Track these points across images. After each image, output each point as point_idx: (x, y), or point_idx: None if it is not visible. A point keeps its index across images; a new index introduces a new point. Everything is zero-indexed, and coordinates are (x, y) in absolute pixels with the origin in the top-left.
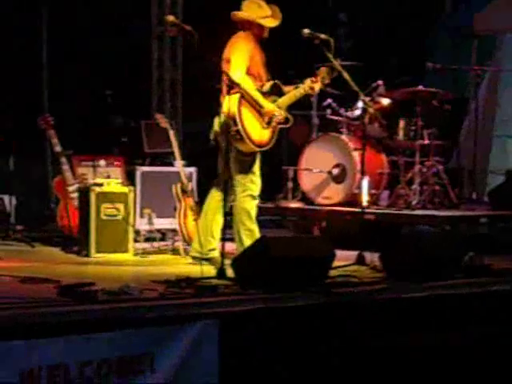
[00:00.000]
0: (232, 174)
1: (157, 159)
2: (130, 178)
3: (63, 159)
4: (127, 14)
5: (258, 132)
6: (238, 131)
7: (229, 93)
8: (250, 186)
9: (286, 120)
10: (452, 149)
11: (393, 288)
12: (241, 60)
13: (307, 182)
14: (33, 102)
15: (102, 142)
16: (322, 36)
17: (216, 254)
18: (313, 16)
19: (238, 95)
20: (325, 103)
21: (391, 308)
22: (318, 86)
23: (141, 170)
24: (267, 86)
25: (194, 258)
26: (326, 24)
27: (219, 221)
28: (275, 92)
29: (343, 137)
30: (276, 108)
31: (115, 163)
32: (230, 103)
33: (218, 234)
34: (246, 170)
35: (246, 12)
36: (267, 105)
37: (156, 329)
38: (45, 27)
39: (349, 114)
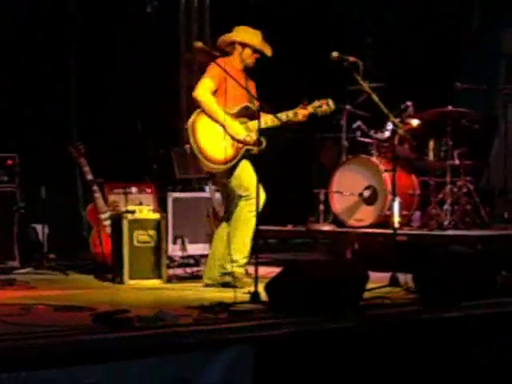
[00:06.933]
0: None
1: (188, 185)
2: (161, 205)
3: (95, 187)
4: (155, 41)
5: (217, 149)
6: (191, 146)
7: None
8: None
9: (258, 143)
10: (482, 168)
11: (426, 309)
12: (207, 81)
13: (338, 204)
14: (62, 130)
15: (132, 169)
16: (351, 58)
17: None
18: (338, 39)
19: (196, 111)
20: (354, 125)
21: (425, 329)
22: (304, 113)
23: (172, 196)
24: (236, 108)
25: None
26: (353, 47)
27: None
28: (247, 115)
29: (373, 159)
30: (240, 131)
31: (147, 190)
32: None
33: None
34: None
35: (240, 36)
36: (231, 126)
37: (191, 355)
38: (73, 54)
39: (378, 135)
